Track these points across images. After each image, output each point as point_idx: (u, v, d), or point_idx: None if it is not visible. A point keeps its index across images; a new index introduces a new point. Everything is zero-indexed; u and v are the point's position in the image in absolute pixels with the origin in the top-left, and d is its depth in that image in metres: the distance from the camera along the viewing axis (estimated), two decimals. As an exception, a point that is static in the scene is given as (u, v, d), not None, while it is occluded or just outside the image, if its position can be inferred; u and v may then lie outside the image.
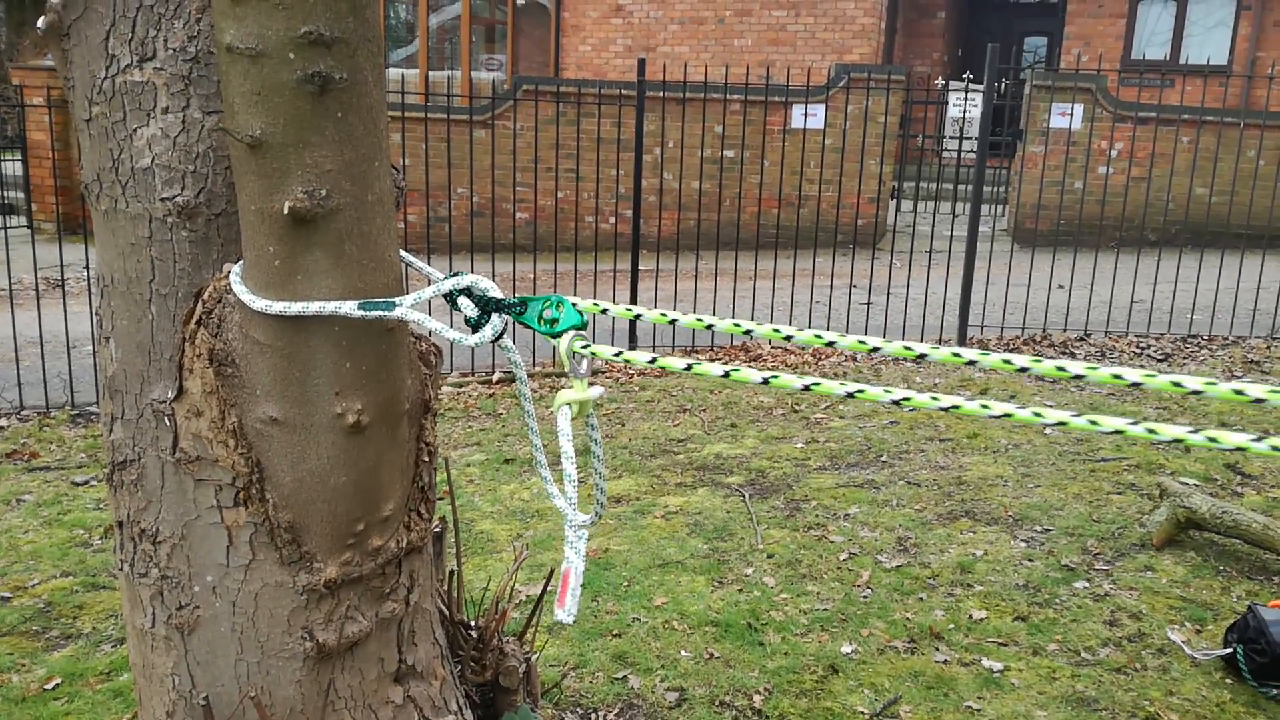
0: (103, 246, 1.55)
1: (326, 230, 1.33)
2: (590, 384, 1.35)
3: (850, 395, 1.11)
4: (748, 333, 1.28)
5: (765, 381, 1.19)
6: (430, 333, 1.48)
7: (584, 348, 1.31)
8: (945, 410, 1.06)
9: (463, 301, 1.41)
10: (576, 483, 1.29)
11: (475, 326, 1.40)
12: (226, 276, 1.44)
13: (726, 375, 1.22)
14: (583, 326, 1.35)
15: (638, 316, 1.38)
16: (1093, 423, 1.00)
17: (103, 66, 1.48)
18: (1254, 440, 0.98)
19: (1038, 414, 1.03)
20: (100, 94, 1.48)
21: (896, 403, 1.10)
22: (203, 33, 1.45)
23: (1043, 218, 10.89)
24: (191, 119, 1.45)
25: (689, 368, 1.24)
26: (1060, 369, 1.04)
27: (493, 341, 1.40)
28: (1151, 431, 0.99)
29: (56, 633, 3.36)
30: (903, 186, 13.44)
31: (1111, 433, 0.99)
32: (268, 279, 1.36)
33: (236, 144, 1.31)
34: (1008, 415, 1.04)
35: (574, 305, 1.34)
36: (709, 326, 1.32)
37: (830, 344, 1.19)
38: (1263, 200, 9.52)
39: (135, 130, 1.46)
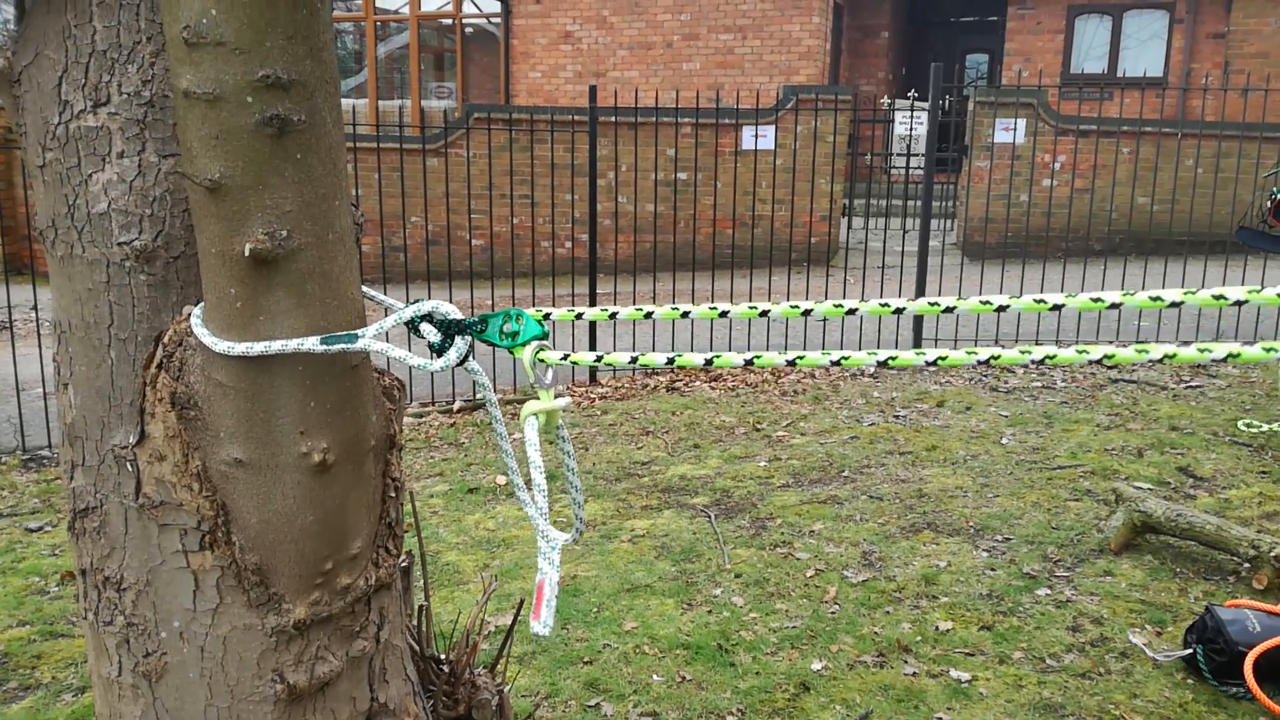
0: (59, 292, 1.54)
1: (288, 270, 1.33)
2: (556, 395, 1.35)
3: (835, 363, 1.12)
4: (685, 314, 1.32)
5: (748, 363, 1.21)
6: (392, 364, 1.48)
7: (562, 358, 1.33)
8: (931, 364, 1.07)
9: (425, 328, 1.41)
10: (546, 493, 1.28)
11: (439, 351, 1.41)
12: (187, 319, 1.43)
13: (709, 364, 1.24)
14: (544, 337, 1.37)
15: (579, 315, 1.41)
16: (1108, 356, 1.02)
17: (56, 112, 1.47)
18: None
19: (1082, 351, 1.03)
20: (54, 140, 1.48)
21: (883, 364, 1.13)
22: (157, 76, 1.45)
23: (990, 231, 11.08)
24: (148, 163, 1.45)
25: (670, 360, 1.25)
26: (1040, 300, 1.06)
27: (458, 364, 1.40)
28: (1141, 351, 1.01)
29: (14, 684, 3.28)
30: (853, 204, 13.61)
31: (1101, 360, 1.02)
32: (230, 321, 1.35)
33: (195, 187, 1.31)
34: (1049, 357, 1.04)
35: (533, 316, 1.36)
36: (648, 315, 1.35)
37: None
38: (1202, 207, 9.77)
39: (90, 175, 1.46)
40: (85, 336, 1.51)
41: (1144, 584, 3.65)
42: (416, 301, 1.43)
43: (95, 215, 1.46)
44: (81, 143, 1.45)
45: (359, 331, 1.37)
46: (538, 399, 1.34)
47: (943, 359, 1.07)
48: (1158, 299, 1.03)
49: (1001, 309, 1.10)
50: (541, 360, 1.35)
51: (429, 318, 1.41)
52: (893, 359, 1.12)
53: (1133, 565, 3.80)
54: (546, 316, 1.39)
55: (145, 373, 1.46)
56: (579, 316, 1.43)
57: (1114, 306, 1.04)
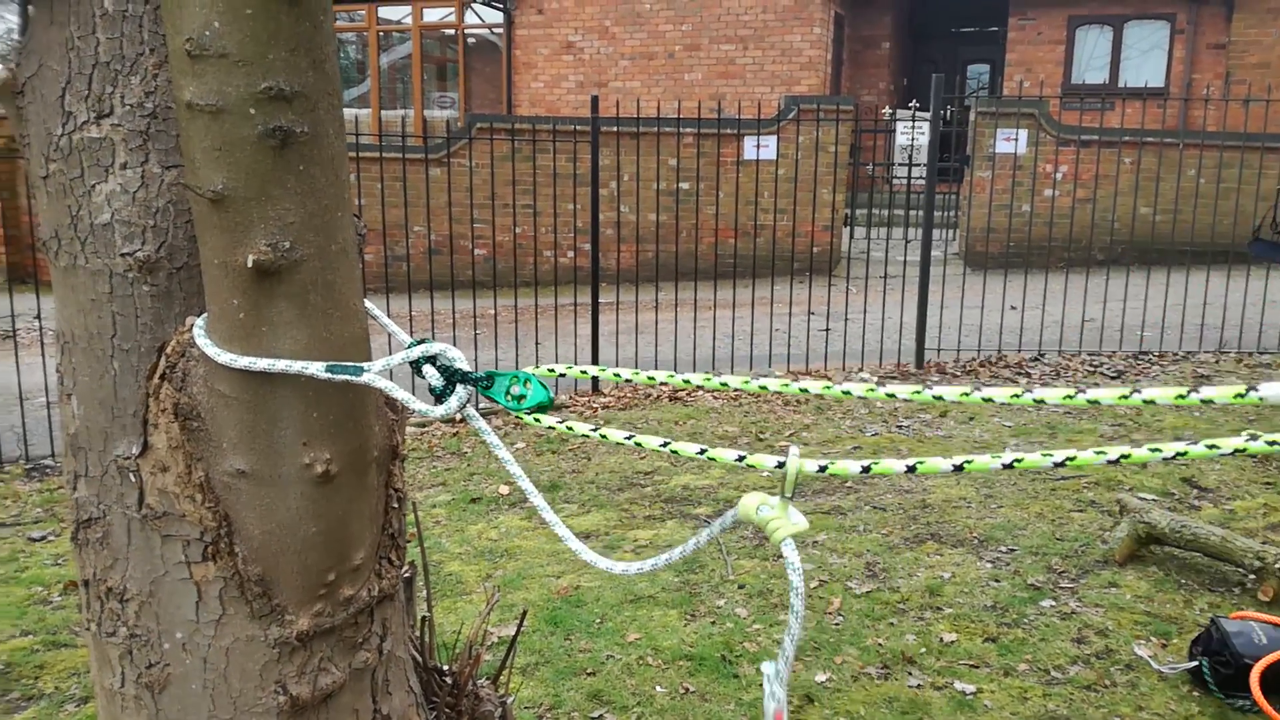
0: (62, 303, 1.54)
1: (291, 281, 1.33)
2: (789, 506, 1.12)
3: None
4: (686, 381, 1.31)
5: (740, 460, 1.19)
6: (395, 374, 1.47)
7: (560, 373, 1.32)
8: (1007, 466, 1.05)
9: (428, 371, 1.40)
10: (795, 635, 1.08)
11: (440, 396, 1.40)
12: (190, 330, 1.43)
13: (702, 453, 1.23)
14: (550, 403, 1.36)
15: (594, 379, 1.40)
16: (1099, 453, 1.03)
17: (59, 123, 1.47)
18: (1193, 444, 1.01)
19: (1047, 455, 1.03)
20: (57, 151, 1.48)
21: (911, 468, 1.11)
22: (160, 88, 1.45)
23: (993, 241, 11.09)
24: (151, 174, 1.45)
25: (666, 441, 1.24)
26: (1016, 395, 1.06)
27: (458, 413, 1.39)
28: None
29: (17, 694, 3.28)
30: (855, 214, 13.62)
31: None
32: (232, 332, 1.35)
33: (198, 199, 1.31)
34: (1071, 459, 1.02)
35: (539, 379, 1.35)
36: (661, 382, 1.33)
37: (775, 391, 1.20)
38: (1204, 218, 9.78)
39: (94, 186, 1.46)
40: (88, 347, 1.50)
41: (1149, 596, 3.63)
42: (423, 341, 1.42)
43: (98, 226, 1.46)
44: (85, 154, 1.46)
45: (364, 365, 1.36)
46: (777, 517, 1.13)
47: (969, 463, 1.06)
48: (1125, 397, 1.03)
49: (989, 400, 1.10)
50: (538, 420, 1.34)
51: (433, 360, 1.40)
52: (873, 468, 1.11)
53: (1137, 577, 3.78)
54: (558, 373, 1.38)
55: (148, 383, 1.46)
56: (561, 375, 1.41)
57: (1093, 403, 1.05)
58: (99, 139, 1.45)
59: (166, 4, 1.25)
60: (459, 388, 1.38)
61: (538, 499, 1.43)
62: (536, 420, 1.35)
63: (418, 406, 1.37)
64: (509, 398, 1.35)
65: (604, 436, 1.34)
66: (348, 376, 1.34)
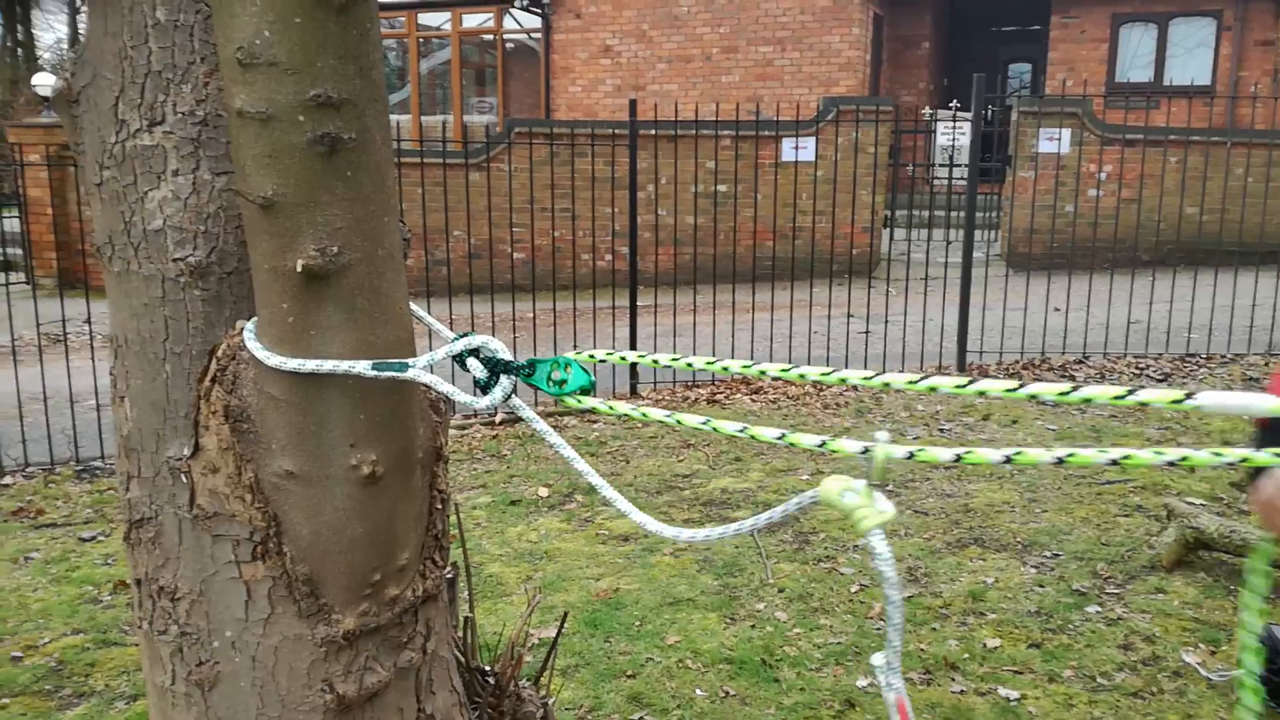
0: (115, 307, 1.57)
1: (339, 286, 1.35)
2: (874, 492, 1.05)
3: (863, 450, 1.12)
4: (725, 369, 1.30)
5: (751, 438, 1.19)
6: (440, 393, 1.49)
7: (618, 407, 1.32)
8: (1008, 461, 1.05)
9: (472, 363, 1.42)
10: (898, 625, 1.04)
11: (484, 388, 1.42)
12: (240, 333, 1.45)
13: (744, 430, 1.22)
14: (591, 387, 1.37)
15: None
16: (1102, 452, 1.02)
17: (113, 131, 1.51)
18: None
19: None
20: (111, 158, 1.51)
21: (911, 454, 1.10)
22: (210, 96, 1.48)
23: (1035, 242, 10.96)
24: (202, 180, 1.48)
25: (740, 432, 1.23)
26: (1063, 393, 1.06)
27: (503, 403, 1.41)
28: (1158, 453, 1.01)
29: (69, 691, 3.35)
30: (894, 215, 13.53)
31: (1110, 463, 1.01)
32: (282, 335, 1.37)
33: (249, 205, 1.33)
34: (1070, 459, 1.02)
35: (580, 365, 1.36)
36: (697, 368, 1.33)
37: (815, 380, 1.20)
38: (1253, 217, 9.59)
39: (146, 193, 1.49)
40: (141, 351, 1.54)
41: (1197, 602, 3.57)
42: (466, 335, 1.44)
43: (151, 232, 1.49)
44: (138, 161, 1.49)
45: (409, 361, 1.38)
46: (863, 506, 1.05)
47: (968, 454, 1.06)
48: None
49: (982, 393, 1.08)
50: (580, 401, 1.35)
51: (476, 353, 1.42)
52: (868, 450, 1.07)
53: (1185, 582, 3.72)
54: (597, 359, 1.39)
55: (199, 386, 1.48)
56: (601, 361, 1.42)
57: (1033, 398, 1.05)
58: (151, 146, 1.48)
59: (218, 13, 1.28)
60: (503, 378, 1.39)
61: (595, 478, 1.42)
62: (579, 401, 1.36)
63: (462, 398, 1.39)
64: (550, 383, 1.36)
65: (645, 416, 1.35)
66: (393, 373, 1.36)
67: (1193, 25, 15.28)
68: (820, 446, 1.12)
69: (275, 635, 1.55)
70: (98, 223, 1.57)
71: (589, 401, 1.36)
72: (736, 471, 5.31)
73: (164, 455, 1.54)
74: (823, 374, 1.19)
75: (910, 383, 1.13)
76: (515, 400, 1.43)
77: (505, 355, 1.40)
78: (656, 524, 1.33)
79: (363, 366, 1.35)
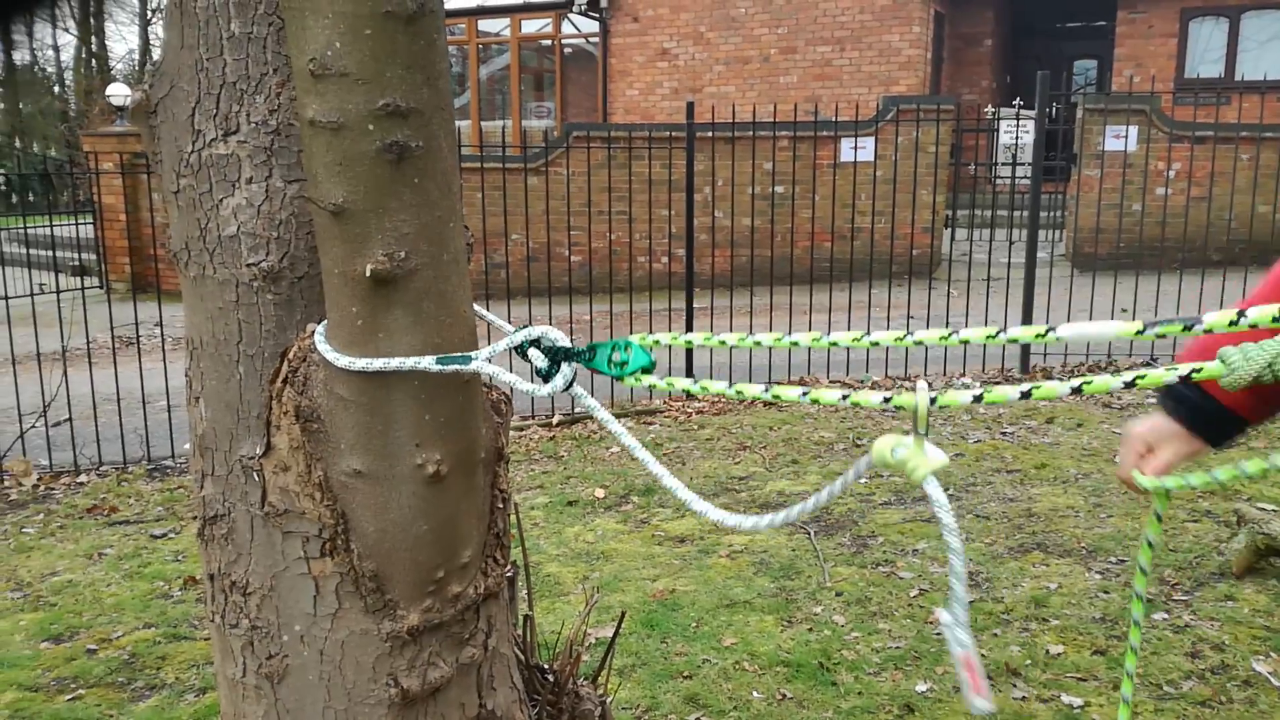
0: (191, 311, 1.63)
1: (406, 290, 1.38)
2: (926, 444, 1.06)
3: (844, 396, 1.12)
4: (794, 343, 1.30)
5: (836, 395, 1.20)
6: (503, 384, 1.51)
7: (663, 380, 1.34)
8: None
9: (533, 353, 1.45)
10: (962, 575, 1.04)
11: (546, 377, 1.44)
12: (310, 336, 1.50)
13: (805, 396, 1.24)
14: (651, 366, 1.38)
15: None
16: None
17: (189, 141, 1.56)
18: None
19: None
20: (187, 167, 1.56)
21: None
22: (283, 106, 1.52)
23: (1102, 241, 10.74)
24: (274, 188, 1.52)
25: (768, 389, 1.26)
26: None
27: (565, 390, 1.43)
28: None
29: (141, 683, 3.45)
30: (956, 215, 13.36)
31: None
32: (351, 337, 1.41)
33: (320, 212, 1.37)
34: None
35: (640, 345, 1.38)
36: (755, 341, 1.34)
37: (875, 343, 1.21)
38: (1330, 215, 9.30)
39: (221, 200, 1.54)
40: (215, 353, 1.59)
41: (1268, 610, 3.49)
42: (525, 327, 1.47)
43: (225, 238, 1.54)
44: (213, 169, 1.54)
45: (472, 354, 1.41)
46: (912, 453, 1.06)
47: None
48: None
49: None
50: (639, 380, 1.37)
51: (537, 343, 1.45)
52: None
53: (1256, 590, 3.63)
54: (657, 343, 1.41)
55: (271, 387, 1.53)
56: (657, 343, 1.43)
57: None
58: (226, 155, 1.53)
59: (290, 26, 1.32)
60: (564, 365, 1.41)
61: (655, 465, 1.41)
62: (638, 380, 1.38)
63: (525, 386, 1.42)
64: (611, 365, 1.38)
65: (704, 389, 1.36)
66: (457, 366, 1.39)
67: (1266, 19, 14.86)
68: (886, 402, 1.15)
69: (342, 630, 1.59)
70: (174, 229, 1.62)
71: (648, 380, 1.38)
72: (793, 474, 5.29)
73: (237, 454, 1.59)
74: (896, 339, 1.20)
75: (943, 338, 1.15)
76: (577, 389, 1.45)
77: (565, 342, 1.43)
78: (719, 512, 1.34)
79: (428, 362, 1.39)
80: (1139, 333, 1.00)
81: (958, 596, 1.05)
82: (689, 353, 7.39)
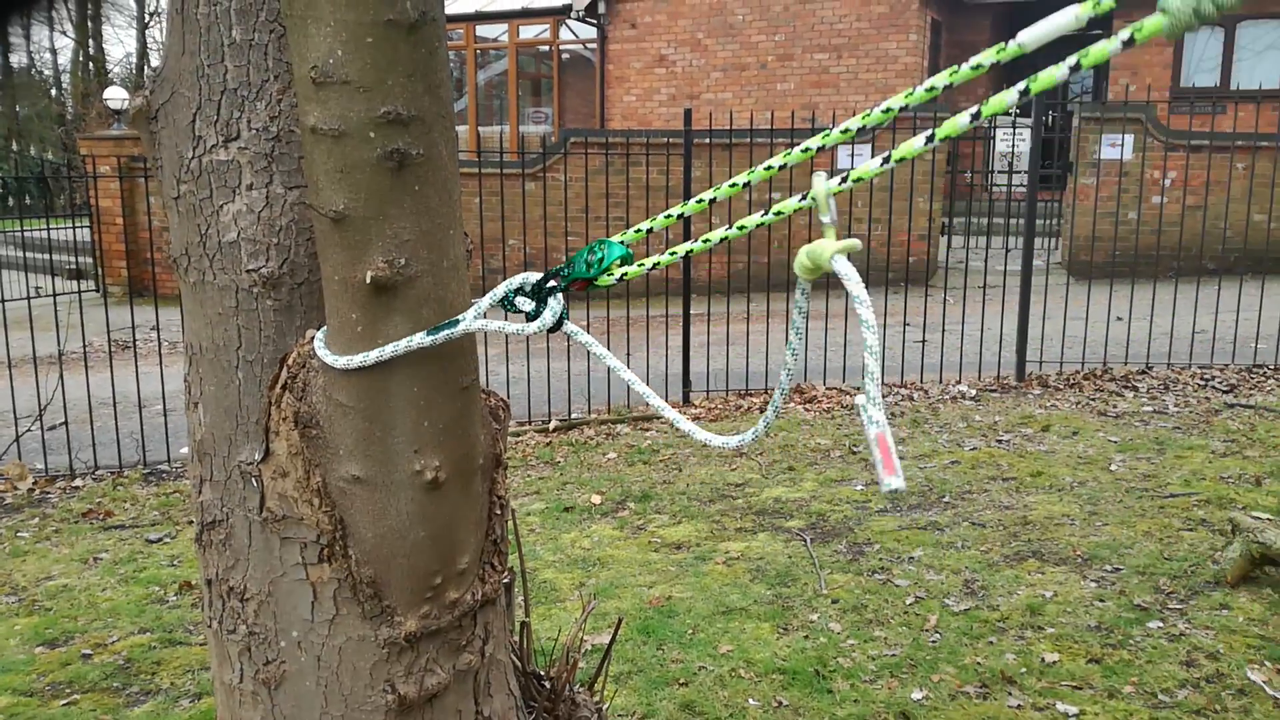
0: (191, 316, 1.63)
1: (406, 297, 1.39)
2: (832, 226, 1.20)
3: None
4: (712, 200, 1.36)
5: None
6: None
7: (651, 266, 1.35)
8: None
9: (519, 300, 1.46)
10: (876, 352, 1.08)
11: (534, 318, 1.46)
12: (310, 342, 1.50)
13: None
14: (628, 256, 1.41)
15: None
16: None
17: (190, 147, 1.56)
18: None
19: None
20: (188, 173, 1.57)
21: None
22: (284, 112, 1.53)
23: (1097, 249, 10.76)
24: (274, 194, 1.53)
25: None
26: None
27: (555, 326, 1.44)
28: None
29: (136, 689, 3.44)
30: (952, 223, 13.38)
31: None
32: (351, 344, 1.42)
33: (320, 218, 1.37)
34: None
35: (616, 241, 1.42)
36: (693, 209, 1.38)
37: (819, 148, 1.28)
38: (1325, 225, 9.33)
39: (222, 206, 1.54)
40: (215, 358, 1.59)
41: (1263, 619, 3.49)
42: (505, 282, 1.50)
43: (226, 244, 1.54)
44: (213, 175, 1.54)
45: (460, 317, 1.42)
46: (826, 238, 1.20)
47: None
48: None
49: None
50: (626, 277, 1.39)
51: (520, 290, 1.47)
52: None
53: (1251, 599, 3.64)
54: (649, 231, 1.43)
55: (270, 393, 1.53)
56: (648, 232, 1.45)
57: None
58: (227, 161, 1.53)
59: (292, 34, 1.33)
60: (550, 301, 1.43)
61: (639, 385, 1.45)
62: (625, 278, 1.40)
63: (513, 328, 1.43)
64: (590, 268, 1.40)
65: (673, 256, 1.39)
66: (448, 331, 1.39)
67: (1262, 28, 14.91)
68: (765, 214, 1.28)
69: (340, 636, 1.59)
70: (174, 235, 1.63)
71: (627, 271, 1.40)
72: (789, 481, 5.29)
73: (235, 460, 1.59)
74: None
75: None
76: (569, 325, 1.46)
77: (539, 276, 1.46)
78: (704, 433, 1.40)
79: (419, 338, 1.39)
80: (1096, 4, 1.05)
81: (871, 374, 1.08)
82: (685, 357, 7.39)
